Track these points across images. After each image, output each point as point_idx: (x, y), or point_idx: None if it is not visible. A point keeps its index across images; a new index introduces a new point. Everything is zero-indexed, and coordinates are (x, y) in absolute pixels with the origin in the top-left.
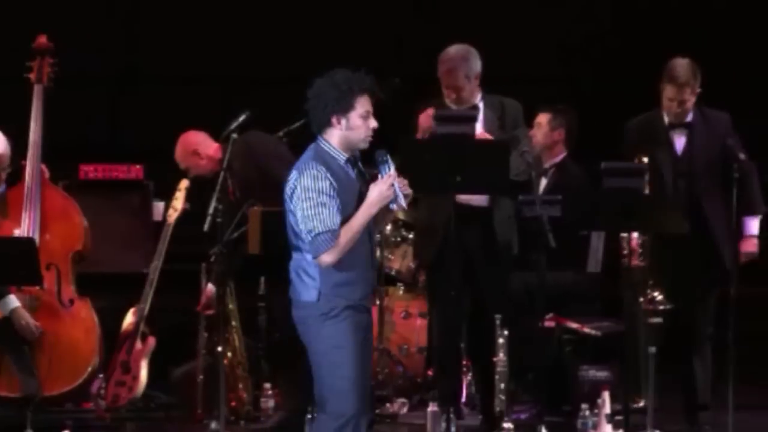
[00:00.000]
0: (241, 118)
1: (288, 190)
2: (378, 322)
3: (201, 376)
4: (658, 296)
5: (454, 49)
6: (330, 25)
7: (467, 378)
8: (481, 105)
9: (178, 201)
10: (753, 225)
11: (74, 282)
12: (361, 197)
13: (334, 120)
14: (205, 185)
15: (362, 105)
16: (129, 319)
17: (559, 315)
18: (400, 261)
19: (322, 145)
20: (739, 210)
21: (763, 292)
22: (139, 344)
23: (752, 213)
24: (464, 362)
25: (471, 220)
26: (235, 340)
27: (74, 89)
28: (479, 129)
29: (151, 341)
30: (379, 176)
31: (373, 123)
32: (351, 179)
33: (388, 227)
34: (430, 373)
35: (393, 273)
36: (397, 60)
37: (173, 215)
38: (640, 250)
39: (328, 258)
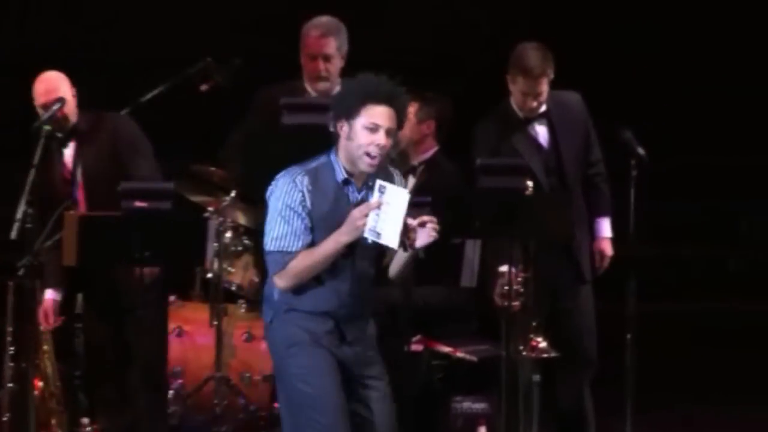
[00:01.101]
0: (55, 107)
1: (267, 193)
2: (215, 346)
3: (7, 414)
4: (541, 343)
5: (326, 18)
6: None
7: None
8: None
9: None
10: (608, 226)
11: None
12: None
13: (338, 125)
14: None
15: (370, 116)
16: None
17: (428, 337)
18: (241, 274)
19: (331, 156)
20: (591, 210)
21: (661, 309)
22: None
23: (606, 213)
24: None
25: None
26: (47, 368)
27: None
28: None
29: None
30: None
31: (380, 140)
32: (343, 203)
33: (228, 234)
34: (276, 405)
35: (233, 288)
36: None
37: None
38: (521, 289)
39: (279, 282)
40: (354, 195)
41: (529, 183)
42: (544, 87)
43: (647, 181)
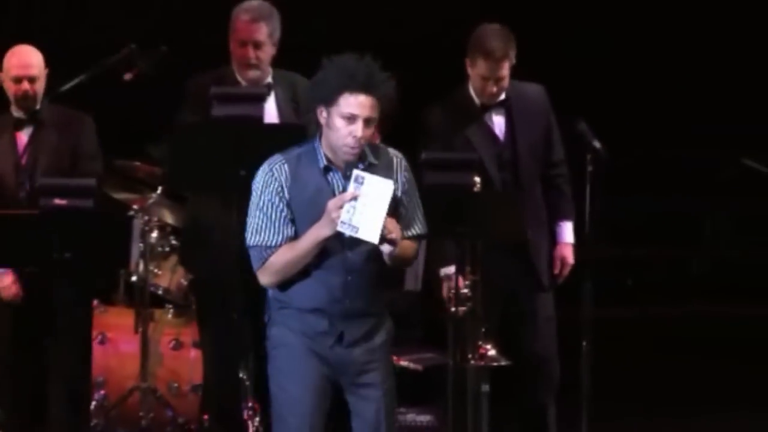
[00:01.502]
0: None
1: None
2: (141, 354)
3: None
4: (490, 351)
5: (257, 1)
6: None
7: (254, 424)
8: (272, 81)
9: None
10: (570, 231)
11: None
12: None
13: (318, 111)
14: None
15: (347, 105)
16: None
17: None
18: (168, 276)
19: (314, 143)
20: (551, 213)
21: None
22: None
23: (567, 217)
24: (250, 404)
25: None
26: None
27: None
28: (273, 111)
29: None
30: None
31: (356, 131)
32: (326, 191)
33: (154, 233)
34: (206, 417)
35: (160, 292)
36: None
37: None
38: (468, 293)
39: (261, 278)
40: (339, 182)
41: (477, 179)
42: (506, 71)
43: (604, 176)
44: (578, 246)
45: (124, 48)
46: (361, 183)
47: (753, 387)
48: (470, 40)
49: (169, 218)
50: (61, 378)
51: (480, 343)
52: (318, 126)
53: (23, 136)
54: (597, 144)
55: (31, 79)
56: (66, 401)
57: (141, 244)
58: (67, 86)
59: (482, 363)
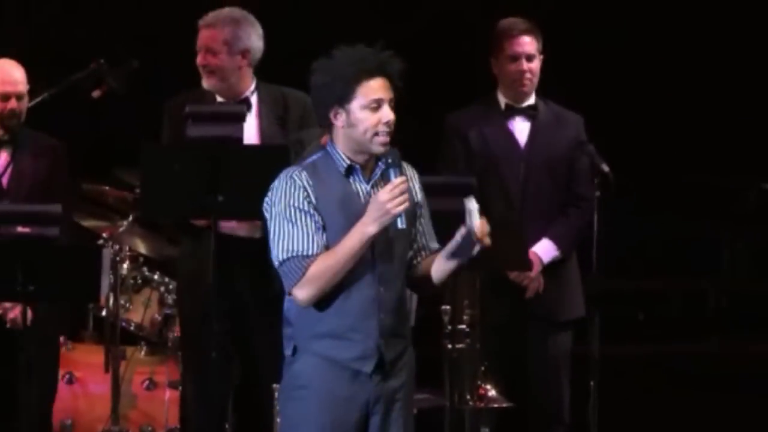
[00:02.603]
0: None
1: (264, 205)
2: (112, 395)
3: None
4: (491, 391)
5: (228, 9)
6: None
7: None
8: (254, 98)
9: None
10: (550, 250)
11: None
12: None
13: (332, 115)
14: None
15: (367, 92)
16: None
17: None
18: (141, 311)
19: (329, 149)
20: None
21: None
22: None
23: (556, 239)
24: None
25: (238, 256)
26: None
27: None
28: (252, 130)
29: None
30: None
31: (387, 115)
32: (352, 195)
33: (125, 264)
34: None
35: (132, 328)
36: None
37: None
38: (467, 329)
39: (300, 293)
40: (362, 185)
41: (475, 204)
42: (534, 49)
43: (613, 202)
44: (585, 277)
45: (92, 63)
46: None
47: None
48: (490, 40)
49: (141, 248)
50: (24, 420)
51: (479, 383)
52: (330, 131)
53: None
54: (605, 167)
55: (19, 96)
56: None
57: (111, 276)
58: (32, 103)
59: (482, 405)
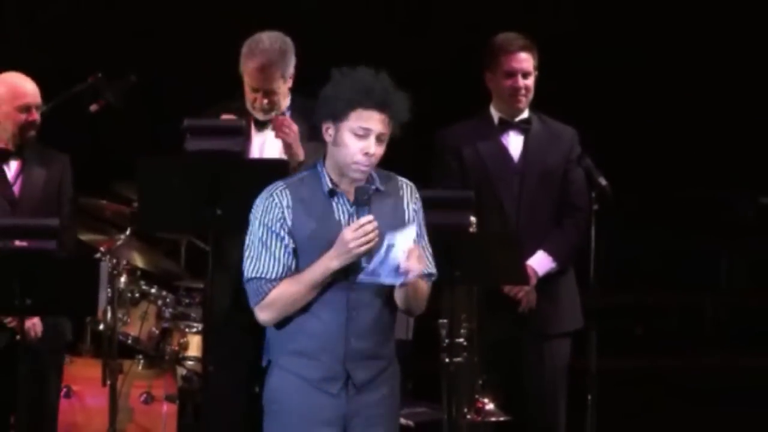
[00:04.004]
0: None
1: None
2: (109, 408)
3: None
4: (488, 405)
5: (268, 39)
6: None
7: None
8: (288, 113)
9: None
10: (546, 264)
11: None
12: None
13: (324, 128)
14: None
15: (360, 119)
16: None
17: None
18: (138, 325)
19: (318, 168)
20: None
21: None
22: None
23: (553, 252)
24: None
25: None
26: None
27: None
28: (275, 145)
29: None
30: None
31: (369, 147)
32: (332, 219)
33: (123, 278)
34: None
35: (129, 341)
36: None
37: None
38: (464, 342)
39: (260, 314)
40: (345, 208)
41: (473, 219)
42: (530, 66)
43: (611, 216)
44: (583, 291)
45: (90, 76)
46: (392, 243)
47: None
48: (485, 54)
49: (139, 261)
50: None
51: (477, 396)
52: (324, 145)
53: (9, 170)
54: (602, 181)
55: (38, 107)
56: None
57: (109, 290)
58: None
59: (479, 418)
